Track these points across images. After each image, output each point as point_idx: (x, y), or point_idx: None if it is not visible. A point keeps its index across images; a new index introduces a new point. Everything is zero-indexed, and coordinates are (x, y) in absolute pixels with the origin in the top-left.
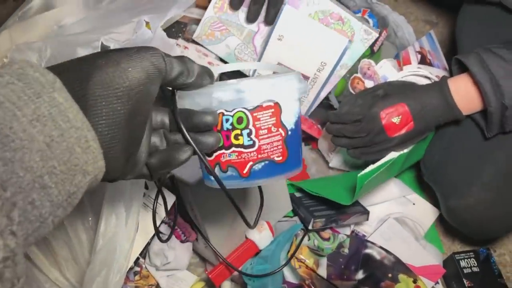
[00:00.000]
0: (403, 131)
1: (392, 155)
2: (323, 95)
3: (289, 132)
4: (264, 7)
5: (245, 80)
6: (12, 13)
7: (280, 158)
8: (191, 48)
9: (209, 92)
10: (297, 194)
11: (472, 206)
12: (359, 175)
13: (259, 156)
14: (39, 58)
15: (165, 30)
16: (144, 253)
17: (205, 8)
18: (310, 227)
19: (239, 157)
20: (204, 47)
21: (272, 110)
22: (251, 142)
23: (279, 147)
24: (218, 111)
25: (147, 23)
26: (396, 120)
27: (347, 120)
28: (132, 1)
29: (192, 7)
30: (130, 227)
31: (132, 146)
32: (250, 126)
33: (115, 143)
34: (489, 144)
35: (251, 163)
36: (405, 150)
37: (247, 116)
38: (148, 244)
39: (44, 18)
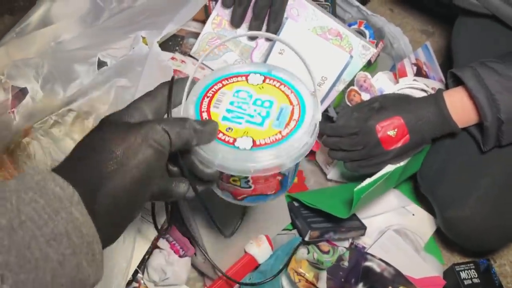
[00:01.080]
0: (399, 144)
1: (389, 168)
2: (321, 108)
3: (287, 174)
4: (266, 22)
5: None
6: (9, 28)
7: (273, 192)
8: (188, 61)
9: (214, 150)
10: (296, 204)
11: (468, 218)
12: (355, 189)
13: (254, 193)
14: (36, 75)
15: (162, 43)
16: (143, 268)
17: (202, 21)
18: (306, 239)
19: (235, 190)
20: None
21: (274, 172)
22: (247, 186)
23: (274, 186)
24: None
25: (143, 38)
26: (392, 133)
27: (343, 133)
28: (129, 17)
29: (189, 20)
30: (128, 245)
31: (135, 217)
32: (249, 178)
33: (118, 231)
34: (485, 156)
35: (245, 195)
36: (402, 163)
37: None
38: (147, 259)
39: (41, 35)
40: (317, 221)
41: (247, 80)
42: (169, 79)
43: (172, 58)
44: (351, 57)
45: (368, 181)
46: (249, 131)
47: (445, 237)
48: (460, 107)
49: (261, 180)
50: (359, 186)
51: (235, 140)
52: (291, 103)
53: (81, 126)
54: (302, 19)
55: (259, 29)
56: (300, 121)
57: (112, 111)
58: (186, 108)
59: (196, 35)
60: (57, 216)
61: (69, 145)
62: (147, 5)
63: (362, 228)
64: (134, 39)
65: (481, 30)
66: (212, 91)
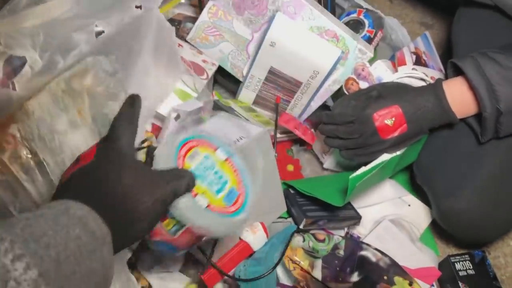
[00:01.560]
0: (396, 133)
1: (385, 157)
2: (314, 105)
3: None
4: None
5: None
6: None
7: (185, 247)
8: (185, 46)
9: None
10: (292, 191)
11: (464, 209)
12: (350, 177)
13: (172, 242)
14: (33, 44)
15: None
16: (136, 254)
17: (199, 7)
18: (301, 226)
19: (157, 229)
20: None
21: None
22: (174, 233)
23: (191, 243)
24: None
25: (138, 7)
26: (389, 122)
27: (340, 121)
28: None
29: (186, 5)
30: None
31: None
32: (185, 228)
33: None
34: (483, 148)
35: (161, 239)
36: (398, 152)
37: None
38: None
39: (33, 13)
40: (312, 209)
41: (215, 151)
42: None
43: None
44: (343, 52)
45: (363, 169)
46: (207, 193)
47: (440, 229)
48: (459, 98)
49: (189, 235)
50: (354, 174)
51: (196, 194)
52: (239, 189)
53: (79, 83)
54: (299, 18)
55: None
56: (241, 208)
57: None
58: (168, 153)
59: (193, 19)
60: (93, 255)
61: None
62: None
63: (357, 217)
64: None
65: (482, 21)
66: (189, 146)
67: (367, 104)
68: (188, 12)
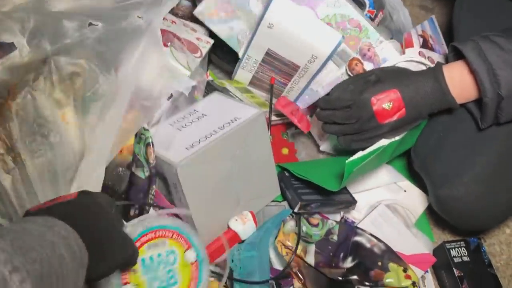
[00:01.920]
0: (394, 118)
1: (382, 142)
2: (315, 87)
3: None
4: None
5: None
6: None
7: None
8: (179, 23)
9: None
10: (287, 174)
11: (461, 197)
12: (347, 161)
13: None
14: (22, 29)
15: None
16: None
17: None
18: (296, 210)
19: None
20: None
21: None
22: None
23: None
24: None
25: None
26: (387, 106)
27: (337, 106)
28: None
29: None
30: None
31: None
32: None
33: None
34: (482, 135)
35: None
36: (397, 138)
37: None
38: None
39: None
40: (307, 192)
41: (185, 250)
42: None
43: (163, 18)
44: (343, 37)
45: (360, 154)
46: (142, 285)
47: (436, 215)
48: (459, 82)
49: None
50: (351, 159)
51: (126, 283)
52: None
53: (66, 88)
54: (323, 4)
55: None
56: None
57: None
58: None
59: None
60: (71, 275)
61: (49, 105)
62: None
63: (353, 202)
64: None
65: (484, 5)
66: (160, 233)
67: (365, 88)
68: None
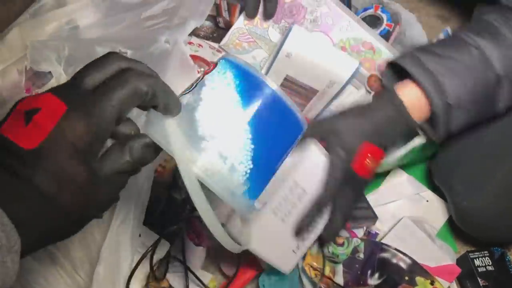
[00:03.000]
0: (378, 164)
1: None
2: (334, 107)
3: None
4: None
5: None
6: (21, 9)
7: None
8: (205, 45)
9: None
10: None
11: (482, 210)
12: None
13: None
14: (58, 57)
15: None
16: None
17: (216, 13)
18: None
19: None
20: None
21: None
22: None
23: None
24: None
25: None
26: (369, 162)
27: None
28: (149, 16)
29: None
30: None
31: None
32: None
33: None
34: (502, 147)
35: None
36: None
37: None
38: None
39: (54, 16)
40: None
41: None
42: (193, 78)
43: (189, 43)
44: (360, 63)
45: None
46: None
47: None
48: (413, 100)
49: None
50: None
51: None
52: None
53: None
54: (336, 28)
55: (256, 6)
56: None
57: None
58: None
59: (209, 17)
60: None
61: None
62: (165, 3)
63: (374, 217)
64: (155, 38)
65: (501, 20)
66: None
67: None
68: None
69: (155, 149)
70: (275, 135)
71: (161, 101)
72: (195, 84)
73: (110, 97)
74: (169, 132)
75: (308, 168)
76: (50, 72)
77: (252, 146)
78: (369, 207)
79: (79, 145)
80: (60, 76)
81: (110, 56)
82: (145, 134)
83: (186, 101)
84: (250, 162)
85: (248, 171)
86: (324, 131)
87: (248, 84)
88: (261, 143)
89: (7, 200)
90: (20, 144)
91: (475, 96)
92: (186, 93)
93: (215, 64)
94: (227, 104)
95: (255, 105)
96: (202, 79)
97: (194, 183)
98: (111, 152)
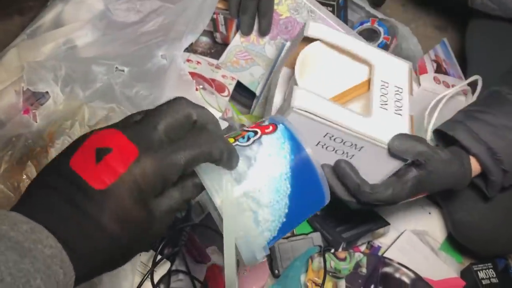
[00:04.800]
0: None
1: None
2: None
3: None
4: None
5: None
6: (18, 29)
7: None
8: (203, 62)
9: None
10: (319, 213)
11: (478, 224)
12: None
13: None
14: (55, 77)
15: None
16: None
17: (213, 28)
18: (340, 249)
19: None
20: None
21: None
22: None
23: None
24: None
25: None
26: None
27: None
28: (144, 32)
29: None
30: None
31: None
32: None
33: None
34: None
35: None
36: None
37: None
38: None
39: (52, 36)
40: (345, 228)
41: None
42: (191, 93)
43: (188, 60)
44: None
45: None
46: None
47: None
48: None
49: None
50: None
51: None
52: None
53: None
54: None
55: (250, 24)
56: None
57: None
58: None
59: (207, 33)
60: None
61: None
62: (160, 19)
63: (387, 224)
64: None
65: (496, 34)
66: None
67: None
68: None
69: (202, 188)
70: (304, 213)
71: (225, 162)
72: (252, 141)
73: (183, 155)
74: (223, 186)
75: None
76: (47, 92)
77: (284, 220)
78: (379, 216)
79: (144, 189)
80: (57, 96)
81: (178, 101)
82: (195, 172)
83: (242, 157)
84: (275, 233)
85: (271, 238)
86: None
87: (303, 166)
88: (292, 218)
89: (70, 235)
90: (90, 182)
91: None
92: (243, 145)
93: (275, 126)
94: (277, 175)
95: (301, 186)
96: (259, 137)
97: (231, 243)
98: (165, 191)
